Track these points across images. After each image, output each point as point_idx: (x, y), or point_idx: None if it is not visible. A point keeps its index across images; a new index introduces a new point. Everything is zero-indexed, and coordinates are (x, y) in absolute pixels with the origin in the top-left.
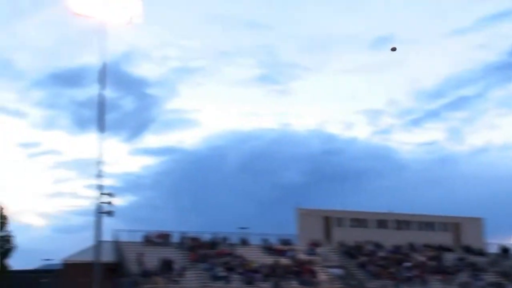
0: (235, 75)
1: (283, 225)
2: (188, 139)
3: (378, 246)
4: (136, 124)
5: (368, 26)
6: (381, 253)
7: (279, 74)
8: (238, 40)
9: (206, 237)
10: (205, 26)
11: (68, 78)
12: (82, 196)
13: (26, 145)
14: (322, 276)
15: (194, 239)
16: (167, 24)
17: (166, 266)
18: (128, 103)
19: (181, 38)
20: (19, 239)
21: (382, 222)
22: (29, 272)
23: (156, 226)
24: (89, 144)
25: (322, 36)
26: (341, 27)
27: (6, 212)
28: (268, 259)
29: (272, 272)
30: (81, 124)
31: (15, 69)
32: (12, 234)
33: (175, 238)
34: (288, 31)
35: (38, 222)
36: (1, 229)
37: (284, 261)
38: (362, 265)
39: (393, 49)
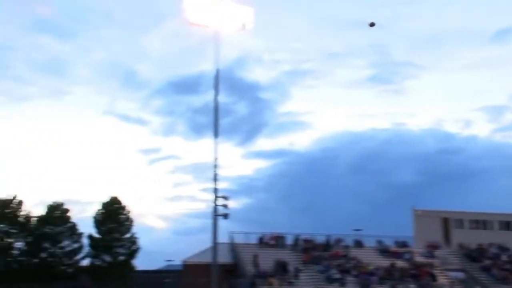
0: (347, 76)
1: (398, 227)
2: (300, 141)
3: (503, 249)
4: (249, 128)
5: (487, 19)
6: (506, 257)
7: (392, 73)
8: (349, 40)
9: (320, 239)
10: (315, 28)
11: (186, 86)
12: (199, 199)
13: (147, 151)
14: (442, 279)
15: (308, 241)
16: (278, 28)
17: (281, 267)
18: (242, 107)
19: (292, 41)
20: (143, 240)
21: (505, 224)
22: (153, 272)
23: (269, 228)
24: (205, 148)
25: (436, 32)
26: (457, 21)
27: (131, 215)
28: (384, 262)
29: (389, 275)
30: (197, 130)
31: (138, 79)
32: (137, 236)
33: (289, 240)
34: (400, 29)
35: (160, 224)
36: (127, 231)
37: (400, 263)
38: (485, 269)
39: (372, 25)
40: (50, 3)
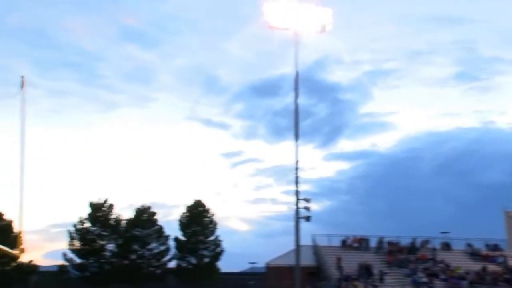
0: (430, 74)
1: (488, 229)
2: (382, 142)
3: None
4: (330, 130)
5: None
6: None
7: (479, 70)
8: (432, 38)
9: (405, 241)
10: (396, 26)
11: (266, 89)
12: (281, 202)
13: (229, 155)
14: None
15: (392, 244)
16: (357, 28)
17: (365, 270)
18: (322, 109)
19: (372, 41)
20: (227, 243)
21: None
22: (237, 274)
23: (352, 231)
24: (285, 151)
25: None
26: None
27: (215, 217)
28: (475, 265)
29: (480, 280)
30: (278, 133)
31: (219, 84)
32: (221, 238)
33: (373, 243)
34: (487, 24)
35: (243, 227)
36: (212, 234)
37: (493, 267)
38: None
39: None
40: (136, 13)
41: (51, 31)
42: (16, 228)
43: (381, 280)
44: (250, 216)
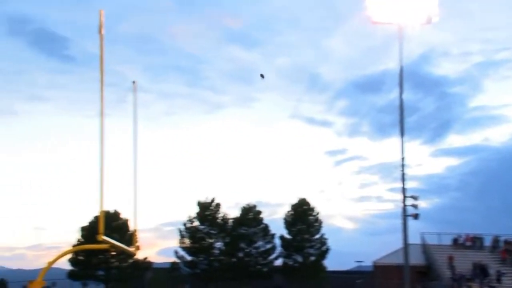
0: None
1: None
2: (495, 136)
3: None
4: (437, 125)
5: None
6: None
7: None
8: None
9: None
10: (508, 14)
11: (369, 85)
12: (387, 200)
13: (333, 153)
14: None
15: (509, 243)
16: (466, 18)
17: (480, 270)
18: (428, 104)
19: (483, 31)
20: (332, 241)
21: None
22: (343, 273)
23: (464, 229)
24: (390, 148)
25: None
26: None
27: (320, 216)
28: None
29: None
30: (382, 129)
31: (322, 82)
32: (326, 236)
33: (487, 242)
34: None
35: (348, 225)
36: (317, 232)
37: None
38: None
39: (262, 76)
40: (238, 15)
41: (159, 37)
42: (131, 226)
43: (499, 280)
44: (356, 214)
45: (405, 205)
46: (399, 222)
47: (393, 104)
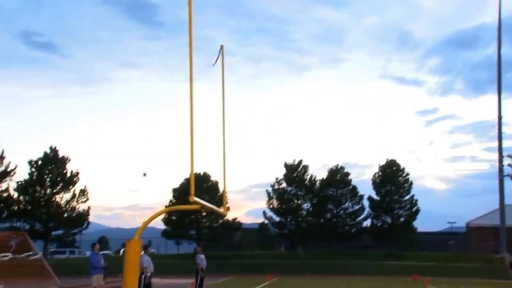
0: None
1: None
2: None
3: None
4: None
5: None
6: None
7: None
8: None
9: None
10: None
11: (463, 41)
12: (482, 160)
13: (423, 112)
14: None
15: None
16: None
17: None
18: None
19: None
20: (423, 202)
21: None
22: (435, 234)
23: None
24: (486, 106)
25: None
26: None
27: (409, 177)
28: None
29: None
30: (477, 87)
31: (412, 40)
32: (416, 197)
33: None
34: None
35: (439, 186)
36: (407, 193)
37: None
38: None
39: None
40: None
41: (246, 0)
42: (221, 188)
43: None
44: (448, 175)
45: (501, 165)
46: (494, 182)
47: (489, 60)
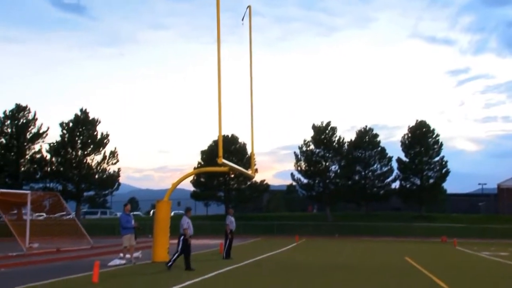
0: None
1: None
2: None
3: None
4: None
5: None
6: None
7: None
8: None
9: None
10: None
11: None
12: None
13: (455, 72)
14: None
15: None
16: None
17: None
18: None
19: None
20: (453, 163)
21: None
22: (465, 195)
23: None
24: None
25: None
26: None
27: (439, 138)
28: None
29: None
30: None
31: None
32: (446, 159)
33: None
34: None
35: (470, 147)
36: (436, 154)
37: None
38: None
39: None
40: None
41: None
42: (249, 150)
43: None
44: (479, 135)
45: None
46: None
47: None
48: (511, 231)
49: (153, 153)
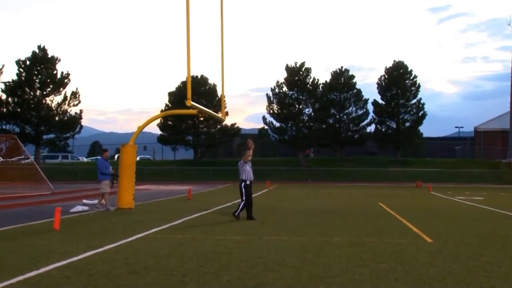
0: None
1: None
2: None
3: None
4: None
5: None
6: None
7: None
8: None
9: None
10: None
11: None
12: (495, 60)
13: (435, 10)
14: None
15: None
16: None
17: None
18: None
19: None
20: (430, 106)
21: None
22: (441, 139)
23: None
24: (503, 1)
25: None
26: None
27: (417, 80)
28: None
29: None
30: None
31: None
32: (423, 101)
33: None
34: None
35: (448, 89)
36: (413, 97)
37: None
38: None
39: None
40: None
41: None
42: (219, 92)
43: None
44: (458, 77)
45: None
46: (507, 84)
47: None
48: (486, 175)
49: (117, 95)
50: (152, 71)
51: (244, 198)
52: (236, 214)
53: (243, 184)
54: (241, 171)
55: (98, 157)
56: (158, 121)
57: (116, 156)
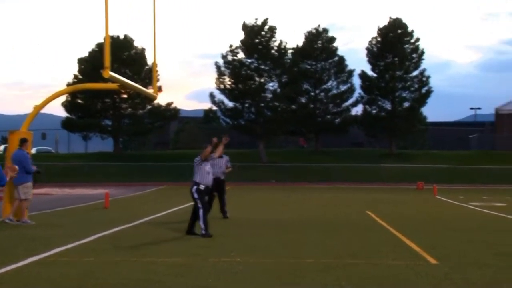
0: None
1: None
2: None
3: None
4: None
5: None
6: None
7: None
8: None
9: None
10: None
11: None
12: None
13: None
14: None
15: None
16: None
17: None
18: None
19: None
20: (437, 80)
21: None
22: (451, 124)
23: None
24: None
25: None
26: None
27: (420, 44)
28: None
29: None
30: None
31: None
32: (428, 74)
33: None
34: None
35: (461, 57)
36: (415, 67)
37: None
38: None
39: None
40: None
41: None
42: (149, 59)
43: None
44: (475, 41)
45: None
46: None
47: None
48: (511, 173)
49: (4, 62)
50: (54, 27)
51: (200, 206)
52: (204, 233)
53: (194, 188)
54: (195, 171)
55: (17, 149)
56: (63, 98)
57: (2, 147)
